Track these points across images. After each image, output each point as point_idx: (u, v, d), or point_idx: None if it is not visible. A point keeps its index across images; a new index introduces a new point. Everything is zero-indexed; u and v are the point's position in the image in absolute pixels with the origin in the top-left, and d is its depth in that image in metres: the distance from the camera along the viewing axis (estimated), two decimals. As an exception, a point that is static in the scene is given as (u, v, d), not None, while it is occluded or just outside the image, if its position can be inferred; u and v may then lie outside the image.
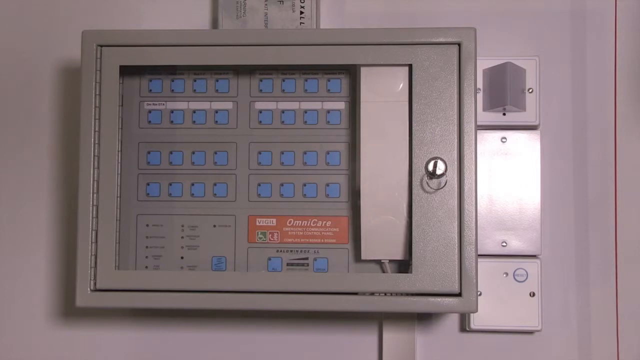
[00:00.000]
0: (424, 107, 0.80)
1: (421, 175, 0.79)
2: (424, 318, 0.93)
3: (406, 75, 0.81)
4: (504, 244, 0.89)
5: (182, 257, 0.86)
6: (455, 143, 0.79)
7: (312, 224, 0.85)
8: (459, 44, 0.80)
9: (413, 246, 0.78)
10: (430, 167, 0.76)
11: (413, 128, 0.80)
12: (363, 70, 0.82)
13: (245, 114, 0.86)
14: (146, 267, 0.86)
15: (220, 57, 0.82)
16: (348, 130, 0.85)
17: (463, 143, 0.79)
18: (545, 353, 0.92)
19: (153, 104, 0.87)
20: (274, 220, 0.85)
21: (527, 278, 0.88)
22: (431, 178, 0.78)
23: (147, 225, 0.86)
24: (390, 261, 0.83)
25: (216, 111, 0.86)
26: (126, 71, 0.85)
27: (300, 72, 0.86)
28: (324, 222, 0.85)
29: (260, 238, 0.85)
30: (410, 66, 0.81)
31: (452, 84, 0.80)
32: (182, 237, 0.86)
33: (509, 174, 0.90)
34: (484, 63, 0.89)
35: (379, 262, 0.84)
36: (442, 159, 0.77)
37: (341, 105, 0.86)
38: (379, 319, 0.93)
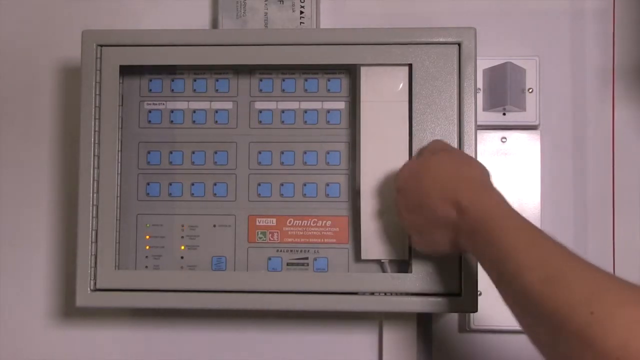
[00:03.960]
0: (424, 107, 0.80)
1: None
2: (424, 318, 0.93)
3: (406, 75, 0.81)
4: (504, 244, 0.89)
5: (182, 257, 0.85)
6: (455, 143, 0.79)
7: (312, 224, 0.84)
8: (459, 44, 0.80)
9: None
10: None
11: (413, 128, 0.80)
12: (363, 70, 0.82)
13: (245, 114, 0.86)
14: (146, 267, 0.86)
15: (220, 56, 0.82)
16: (348, 130, 0.85)
17: (463, 143, 0.79)
18: (545, 353, 0.92)
19: (153, 104, 0.87)
20: (274, 220, 0.85)
21: (527, 278, 0.88)
22: None
23: (147, 225, 0.86)
24: (390, 261, 0.83)
25: (216, 111, 0.86)
26: (126, 71, 0.85)
27: (300, 71, 0.86)
28: (324, 222, 0.85)
29: (260, 238, 0.85)
30: (410, 66, 0.81)
31: (452, 83, 0.80)
32: (182, 237, 0.86)
33: (509, 174, 0.90)
34: (484, 63, 0.89)
35: (379, 262, 0.83)
36: None
37: (341, 105, 0.85)
38: (379, 319, 0.93)
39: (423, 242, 0.74)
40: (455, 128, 0.79)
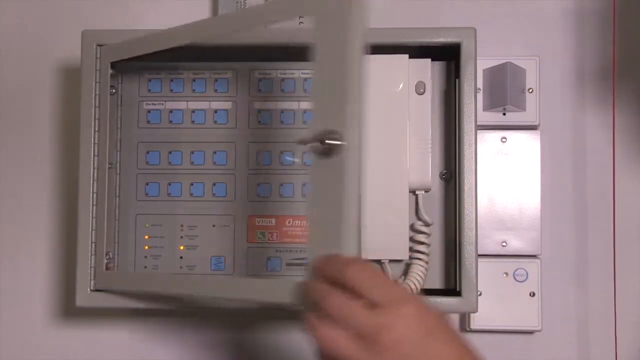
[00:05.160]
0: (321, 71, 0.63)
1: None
2: (424, 318, 0.93)
3: (407, 75, 0.81)
4: (504, 243, 0.89)
5: (181, 257, 0.85)
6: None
7: (311, 224, 0.84)
8: (459, 44, 0.80)
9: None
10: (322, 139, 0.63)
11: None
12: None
13: (245, 114, 0.86)
14: (145, 267, 0.86)
15: (215, 32, 0.76)
16: (348, 130, 0.85)
17: (463, 143, 0.79)
18: (545, 353, 0.92)
19: (152, 104, 0.87)
20: (273, 220, 0.85)
21: (527, 278, 0.88)
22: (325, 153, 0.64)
23: (147, 225, 0.86)
24: (390, 261, 0.83)
25: (215, 111, 0.86)
26: (126, 71, 0.85)
27: (299, 71, 0.85)
28: (324, 222, 0.84)
29: (259, 238, 0.85)
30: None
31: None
32: (182, 237, 0.86)
33: (509, 174, 0.89)
34: (484, 63, 0.89)
35: (379, 262, 0.83)
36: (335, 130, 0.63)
37: (341, 105, 0.85)
38: (379, 319, 0.93)
39: None
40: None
